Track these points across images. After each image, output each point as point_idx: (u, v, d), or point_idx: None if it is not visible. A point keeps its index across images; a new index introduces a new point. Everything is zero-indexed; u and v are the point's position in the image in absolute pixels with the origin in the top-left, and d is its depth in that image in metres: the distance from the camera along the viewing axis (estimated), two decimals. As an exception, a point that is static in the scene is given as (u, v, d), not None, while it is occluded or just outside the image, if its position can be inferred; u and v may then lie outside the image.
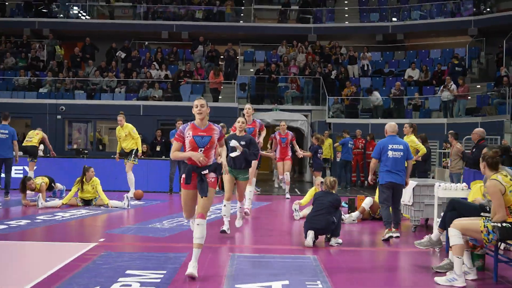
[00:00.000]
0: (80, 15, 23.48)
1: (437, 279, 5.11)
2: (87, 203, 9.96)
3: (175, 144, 5.45)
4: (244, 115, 8.66)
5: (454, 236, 5.01)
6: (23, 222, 8.19)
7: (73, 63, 20.02)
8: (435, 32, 21.77)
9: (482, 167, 5.19)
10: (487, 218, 5.04)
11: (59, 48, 21.23)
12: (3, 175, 11.05)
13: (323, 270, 5.49)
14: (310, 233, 6.54)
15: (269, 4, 24.40)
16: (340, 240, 6.79)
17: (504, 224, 4.90)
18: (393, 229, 7.24)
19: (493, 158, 5.06)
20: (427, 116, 17.23)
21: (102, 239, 6.95)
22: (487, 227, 4.93)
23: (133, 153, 11.08)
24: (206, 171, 5.31)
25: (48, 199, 10.36)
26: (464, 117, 15.99)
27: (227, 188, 7.47)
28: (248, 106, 8.87)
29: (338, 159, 15.38)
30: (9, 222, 8.07)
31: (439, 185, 7.06)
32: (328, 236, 6.72)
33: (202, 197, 5.23)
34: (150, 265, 5.54)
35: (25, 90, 18.91)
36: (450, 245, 5.12)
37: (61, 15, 22.84)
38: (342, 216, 7.55)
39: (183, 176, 5.40)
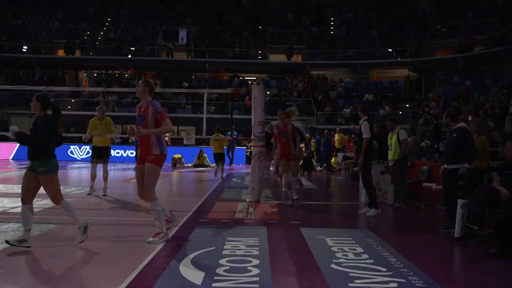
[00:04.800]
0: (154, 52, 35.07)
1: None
2: (201, 166, 21.65)
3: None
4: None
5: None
6: (184, 170, 19.88)
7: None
8: (387, 68, 33.50)
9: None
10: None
11: (143, 78, 32.95)
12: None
13: (307, 179, 17.08)
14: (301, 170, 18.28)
15: (279, 44, 35.83)
16: (312, 173, 18.48)
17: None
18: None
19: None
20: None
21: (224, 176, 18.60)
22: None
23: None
24: None
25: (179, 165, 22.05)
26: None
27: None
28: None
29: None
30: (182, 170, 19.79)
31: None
32: (307, 172, 18.38)
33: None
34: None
35: (130, 106, 30.57)
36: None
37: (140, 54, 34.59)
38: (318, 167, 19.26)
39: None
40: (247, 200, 10.30)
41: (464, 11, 33.23)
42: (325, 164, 20.63)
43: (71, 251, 5.81)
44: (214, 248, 5.85)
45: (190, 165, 21.88)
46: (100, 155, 10.70)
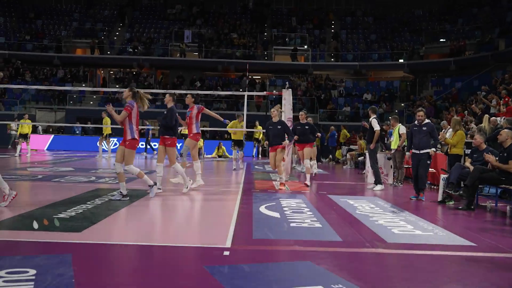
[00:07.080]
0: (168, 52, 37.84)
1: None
2: (220, 157, 24.39)
3: None
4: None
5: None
6: (205, 159, 22.61)
7: (172, 86, 34.39)
8: (384, 69, 36.37)
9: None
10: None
11: (161, 76, 35.74)
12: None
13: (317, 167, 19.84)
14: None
15: (284, 45, 38.69)
16: (319, 163, 21.26)
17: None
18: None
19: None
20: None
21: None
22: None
23: None
24: None
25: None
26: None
27: None
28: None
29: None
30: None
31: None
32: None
33: None
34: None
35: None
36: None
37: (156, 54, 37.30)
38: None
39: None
40: (278, 179, 13.01)
41: (455, 17, 36.14)
42: (330, 156, 23.46)
43: (184, 210, 8.59)
44: (274, 203, 8.64)
45: (210, 156, 24.65)
46: (238, 145, 17.40)
